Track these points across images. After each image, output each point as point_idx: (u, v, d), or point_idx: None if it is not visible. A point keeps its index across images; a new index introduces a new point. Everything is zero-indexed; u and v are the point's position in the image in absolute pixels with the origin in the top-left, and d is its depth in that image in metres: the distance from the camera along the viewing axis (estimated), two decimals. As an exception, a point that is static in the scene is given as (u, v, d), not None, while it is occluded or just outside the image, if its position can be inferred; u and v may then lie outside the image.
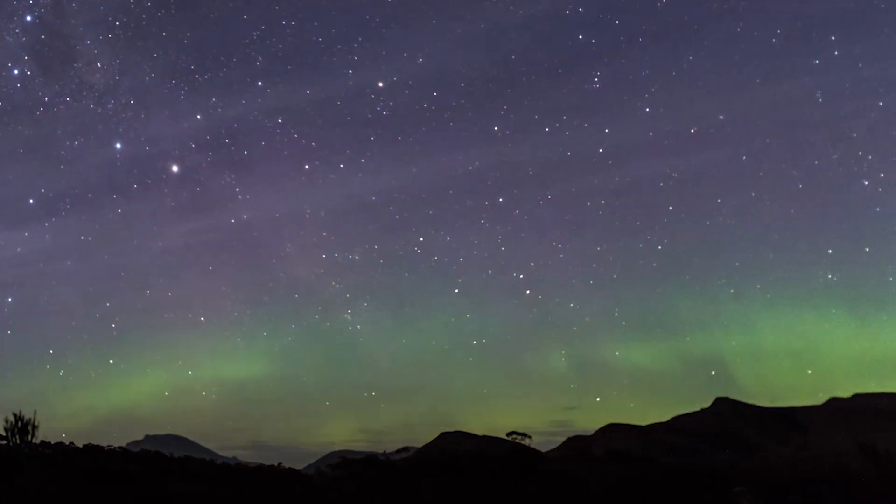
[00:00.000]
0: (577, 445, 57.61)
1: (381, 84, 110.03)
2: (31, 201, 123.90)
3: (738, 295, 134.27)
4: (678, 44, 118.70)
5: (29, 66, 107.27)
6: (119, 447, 32.49)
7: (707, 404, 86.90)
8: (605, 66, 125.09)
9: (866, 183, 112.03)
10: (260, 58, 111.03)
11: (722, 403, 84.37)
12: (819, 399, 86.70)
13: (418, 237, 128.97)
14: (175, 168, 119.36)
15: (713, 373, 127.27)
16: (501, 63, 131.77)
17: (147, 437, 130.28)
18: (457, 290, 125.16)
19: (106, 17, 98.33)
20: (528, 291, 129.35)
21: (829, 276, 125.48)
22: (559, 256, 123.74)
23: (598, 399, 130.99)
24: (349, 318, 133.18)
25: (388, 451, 33.99)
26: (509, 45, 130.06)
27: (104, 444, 33.41)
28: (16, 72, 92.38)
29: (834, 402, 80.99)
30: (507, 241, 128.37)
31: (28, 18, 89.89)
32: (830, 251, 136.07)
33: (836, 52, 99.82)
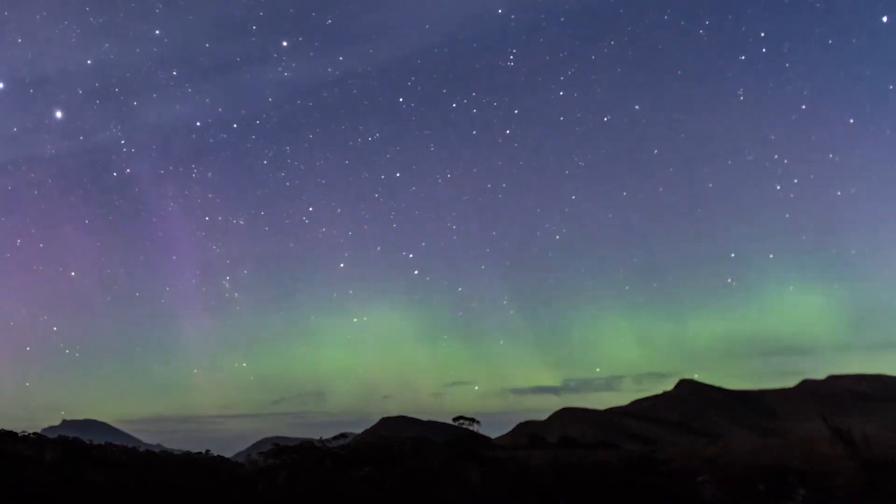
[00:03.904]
0: (529, 431, 56.00)
1: (285, 43, 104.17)
2: None
3: (633, 292, 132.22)
4: (600, 27, 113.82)
5: None
6: (34, 432, 29.58)
7: (670, 387, 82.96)
8: (522, 44, 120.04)
9: (779, 187, 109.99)
10: (160, 5, 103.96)
11: (686, 386, 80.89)
12: (790, 382, 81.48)
13: (308, 207, 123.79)
14: (59, 114, 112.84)
15: (598, 369, 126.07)
16: (413, 32, 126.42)
17: (65, 421, 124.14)
18: (342, 265, 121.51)
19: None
20: (416, 272, 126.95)
21: (729, 280, 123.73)
22: (452, 238, 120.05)
23: (475, 388, 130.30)
24: (227, 284, 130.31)
25: (324, 438, 31.72)
26: (423, 14, 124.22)
27: (17, 428, 30.47)
28: None
29: (806, 384, 78.38)
30: (399, 218, 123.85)
31: None
32: (733, 255, 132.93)
33: (763, 49, 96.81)
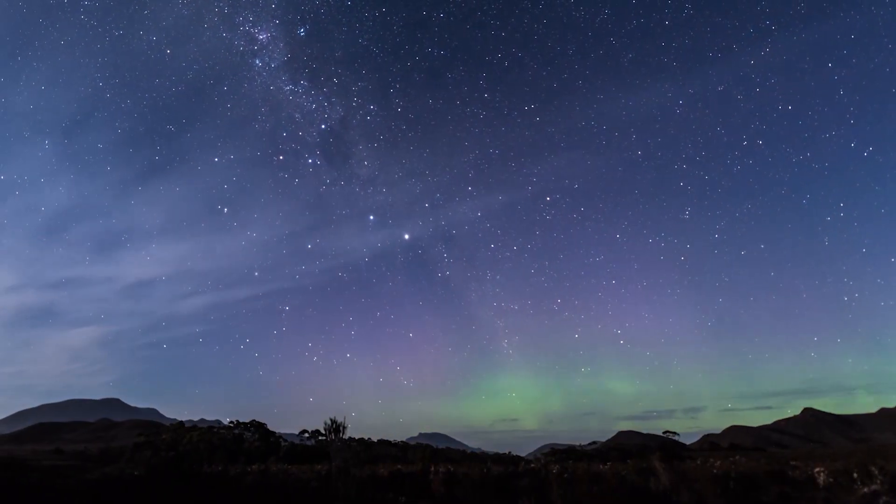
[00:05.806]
0: (709, 440, 77.24)
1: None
2: None
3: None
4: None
5: None
6: (400, 441, 47.01)
7: (798, 412, 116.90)
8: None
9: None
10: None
11: (807, 411, 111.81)
12: (873, 409, 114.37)
13: (574, 300, 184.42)
14: (406, 236, 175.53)
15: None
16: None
17: (421, 433, 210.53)
18: (576, 336, 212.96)
19: None
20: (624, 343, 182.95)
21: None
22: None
23: (673, 410, 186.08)
24: (506, 345, 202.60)
25: (582, 444, 47.22)
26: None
27: (390, 437, 46.93)
28: None
29: (883, 410, 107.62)
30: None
31: None
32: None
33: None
